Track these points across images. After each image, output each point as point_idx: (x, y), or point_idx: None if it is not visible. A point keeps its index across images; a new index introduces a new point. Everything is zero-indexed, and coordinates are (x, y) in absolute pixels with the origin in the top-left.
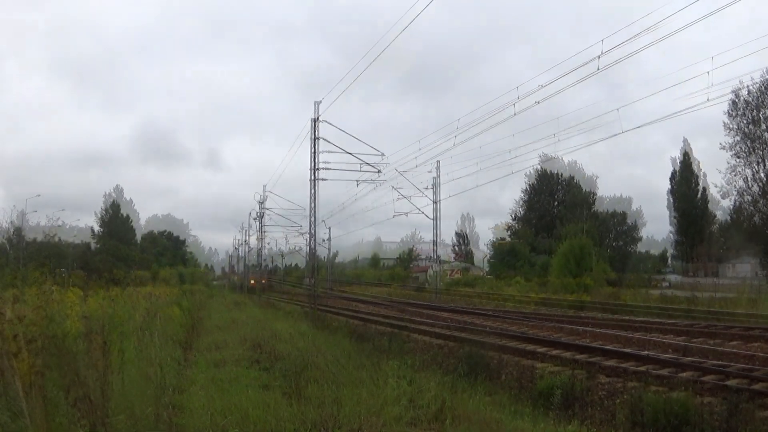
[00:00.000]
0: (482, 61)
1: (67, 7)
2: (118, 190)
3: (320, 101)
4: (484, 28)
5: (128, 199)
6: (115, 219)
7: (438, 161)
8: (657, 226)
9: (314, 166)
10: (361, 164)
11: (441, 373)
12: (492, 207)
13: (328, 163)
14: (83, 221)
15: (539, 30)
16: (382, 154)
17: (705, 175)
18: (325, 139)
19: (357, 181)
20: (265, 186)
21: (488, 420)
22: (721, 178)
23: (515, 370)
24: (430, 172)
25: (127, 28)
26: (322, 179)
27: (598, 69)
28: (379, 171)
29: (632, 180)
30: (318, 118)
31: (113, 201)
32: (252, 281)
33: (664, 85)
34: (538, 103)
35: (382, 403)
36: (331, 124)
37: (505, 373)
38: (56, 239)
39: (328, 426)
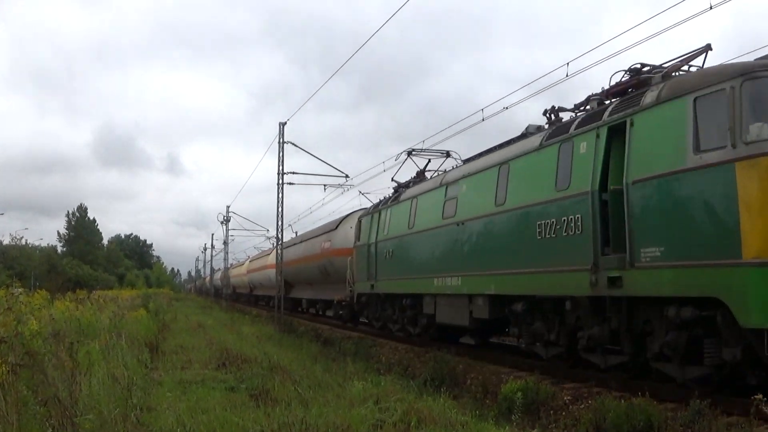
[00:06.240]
0: (431, 73)
1: (26, 16)
2: (82, 209)
3: (285, 122)
4: (432, 41)
5: (91, 218)
6: (82, 222)
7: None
8: None
9: (281, 170)
10: (326, 176)
11: (406, 377)
12: None
13: (295, 174)
14: (46, 226)
15: (485, 42)
16: (346, 176)
17: None
18: (293, 143)
19: (324, 185)
20: (228, 206)
21: (453, 422)
22: None
23: (480, 374)
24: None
25: (85, 35)
26: (289, 183)
27: (567, 75)
28: (346, 176)
29: None
30: (283, 137)
31: (77, 218)
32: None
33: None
34: (507, 108)
35: (348, 404)
36: (295, 145)
37: (470, 377)
38: (23, 242)
39: (295, 427)
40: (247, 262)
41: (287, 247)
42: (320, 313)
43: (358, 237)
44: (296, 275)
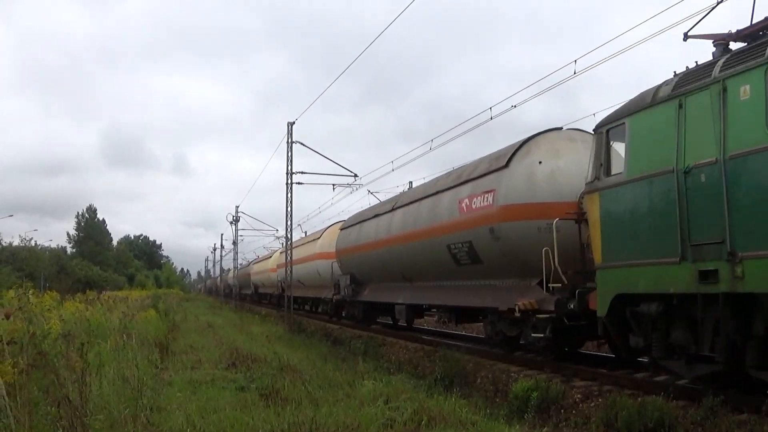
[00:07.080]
0: (436, 71)
1: (32, 19)
2: (91, 210)
3: (293, 122)
4: (438, 39)
5: (101, 219)
6: (92, 223)
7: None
8: None
9: (289, 170)
10: (334, 175)
11: (416, 376)
12: None
13: (304, 173)
14: (54, 227)
15: (491, 40)
16: (355, 175)
17: None
18: (301, 143)
19: (333, 185)
20: (237, 207)
21: (464, 422)
22: None
23: (490, 373)
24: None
25: (91, 38)
26: (298, 183)
27: (575, 73)
28: (355, 175)
29: None
30: (291, 136)
31: (87, 219)
32: None
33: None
34: (515, 106)
35: (358, 404)
36: (304, 145)
37: (480, 376)
38: (33, 243)
39: (305, 427)
40: (277, 253)
41: (358, 223)
42: (405, 326)
43: (603, 170)
44: (378, 265)
